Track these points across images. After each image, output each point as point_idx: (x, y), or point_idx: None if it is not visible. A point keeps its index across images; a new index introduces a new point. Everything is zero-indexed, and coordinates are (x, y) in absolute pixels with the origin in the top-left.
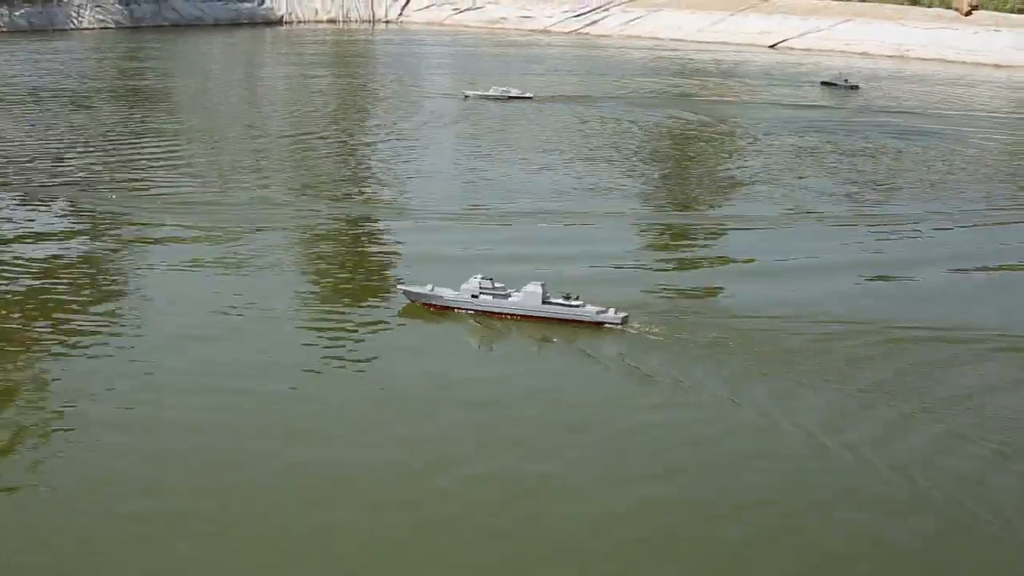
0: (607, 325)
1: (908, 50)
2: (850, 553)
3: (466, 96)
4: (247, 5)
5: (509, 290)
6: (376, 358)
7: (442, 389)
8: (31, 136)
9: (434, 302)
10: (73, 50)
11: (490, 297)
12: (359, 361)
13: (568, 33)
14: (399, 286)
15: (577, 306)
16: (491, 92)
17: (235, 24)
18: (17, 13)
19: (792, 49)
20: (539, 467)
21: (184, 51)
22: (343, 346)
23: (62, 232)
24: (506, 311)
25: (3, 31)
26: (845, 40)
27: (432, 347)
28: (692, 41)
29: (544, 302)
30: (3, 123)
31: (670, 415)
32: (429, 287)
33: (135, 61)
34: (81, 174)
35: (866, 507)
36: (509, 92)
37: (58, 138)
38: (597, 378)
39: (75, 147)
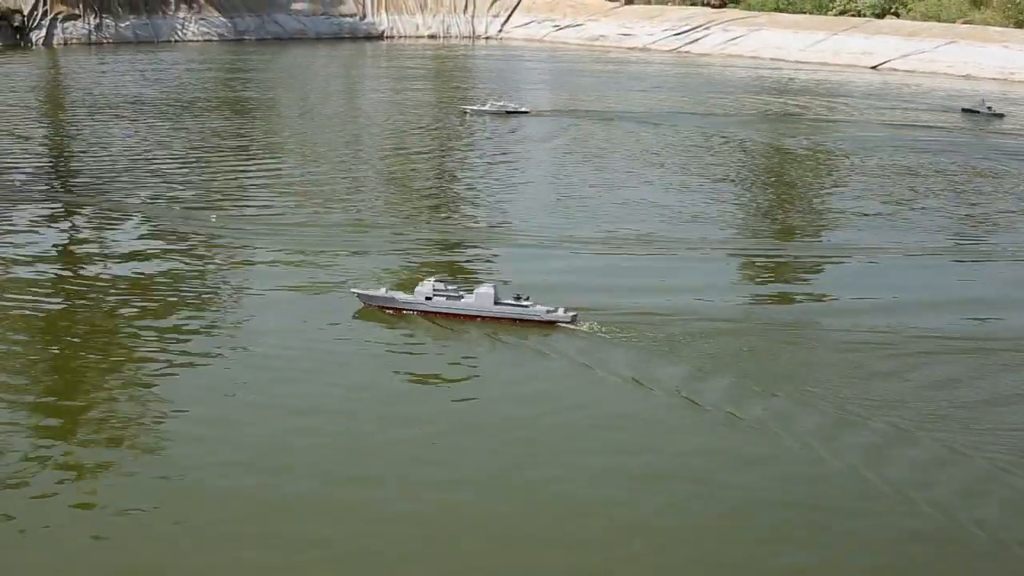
0: (559, 323)
1: (1012, 73)
2: None
3: (465, 112)
4: (349, 20)
5: (461, 292)
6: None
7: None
8: (130, 148)
9: (389, 305)
10: (177, 61)
11: (443, 299)
12: (450, 381)
13: (668, 51)
14: (352, 290)
15: (527, 306)
16: (487, 107)
17: (337, 38)
18: (123, 25)
19: (895, 70)
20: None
21: (285, 64)
22: (435, 373)
23: (157, 251)
24: (460, 312)
25: (109, 42)
26: (948, 62)
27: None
28: (793, 61)
29: (496, 303)
30: (104, 134)
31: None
32: (383, 290)
33: (237, 73)
34: (178, 188)
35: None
36: (507, 107)
37: (157, 150)
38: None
39: (174, 160)
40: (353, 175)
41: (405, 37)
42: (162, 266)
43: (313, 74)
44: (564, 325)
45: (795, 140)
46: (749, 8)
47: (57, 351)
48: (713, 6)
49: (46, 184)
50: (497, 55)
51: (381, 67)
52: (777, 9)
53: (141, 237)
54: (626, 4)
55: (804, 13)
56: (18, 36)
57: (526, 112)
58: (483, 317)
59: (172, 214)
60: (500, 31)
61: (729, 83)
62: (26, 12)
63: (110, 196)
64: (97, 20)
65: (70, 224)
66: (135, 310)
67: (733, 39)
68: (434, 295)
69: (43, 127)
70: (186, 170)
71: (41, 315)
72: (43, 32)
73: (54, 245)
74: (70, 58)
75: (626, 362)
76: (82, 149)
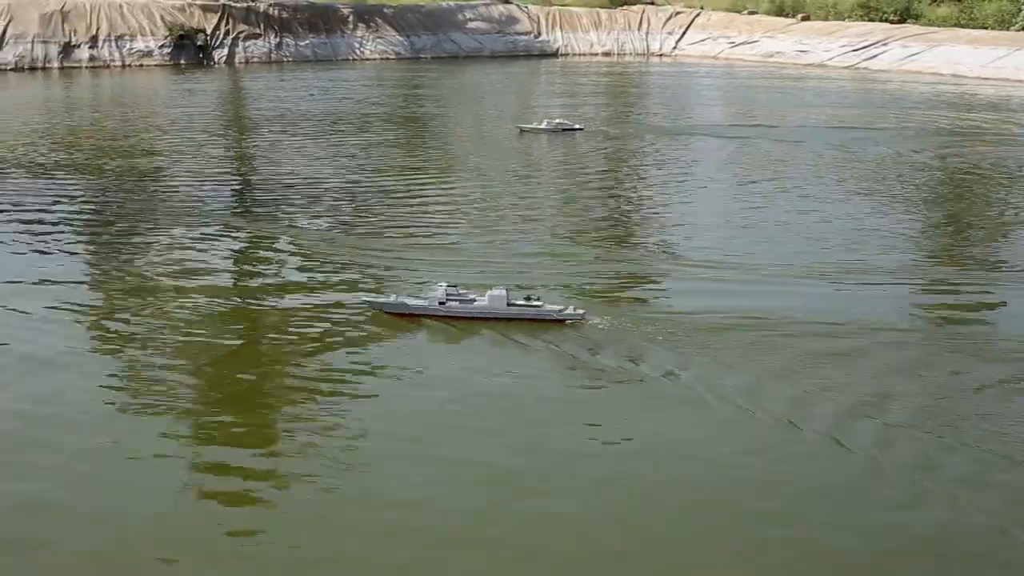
0: (568, 321)
1: None
2: None
3: (521, 131)
4: (524, 38)
5: (472, 295)
6: None
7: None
8: (305, 166)
9: (402, 311)
10: (354, 79)
11: (457, 303)
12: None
13: (845, 68)
14: (363, 298)
15: (538, 306)
16: (544, 125)
17: (511, 56)
18: (302, 43)
19: None
20: None
21: (461, 81)
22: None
23: (323, 282)
24: (474, 315)
25: (289, 60)
26: None
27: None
28: (974, 77)
29: (509, 304)
30: (281, 151)
31: None
32: (394, 297)
33: (413, 90)
34: (351, 209)
35: None
36: (562, 124)
37: (331, 169)
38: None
39: (347, 180)
40: (525, 196)
41: (579, 55)
42: (332, 284)
43: (488, 91)
44: (572, 322)
45: (978, 157)
46: (928, 24)
47: (235, 372)
48: (892, 22)
49: (222, 202)
50: (670, 72)
51: (555, 83)
52: (958, 24)
53: (311, 258)
54: (802, 20)
55: (986, 28)
56: (201, 55)
57: (580, 129)
58: (497, 318)
59: (345, 238)
60: (674, 48)
61: (909, 99)
62: (209, 31)
63: (285, 217)
64: (277, 39)
65: (245, 244)
66: (313, 331)
67: (912, 55)
68: (447, 299)
69: (223, 144)
70: (361, 190)
71: (222, 341)
72: (225, 51)
73: (229, 264)
74: (251, 76)
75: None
76: (259, 167)
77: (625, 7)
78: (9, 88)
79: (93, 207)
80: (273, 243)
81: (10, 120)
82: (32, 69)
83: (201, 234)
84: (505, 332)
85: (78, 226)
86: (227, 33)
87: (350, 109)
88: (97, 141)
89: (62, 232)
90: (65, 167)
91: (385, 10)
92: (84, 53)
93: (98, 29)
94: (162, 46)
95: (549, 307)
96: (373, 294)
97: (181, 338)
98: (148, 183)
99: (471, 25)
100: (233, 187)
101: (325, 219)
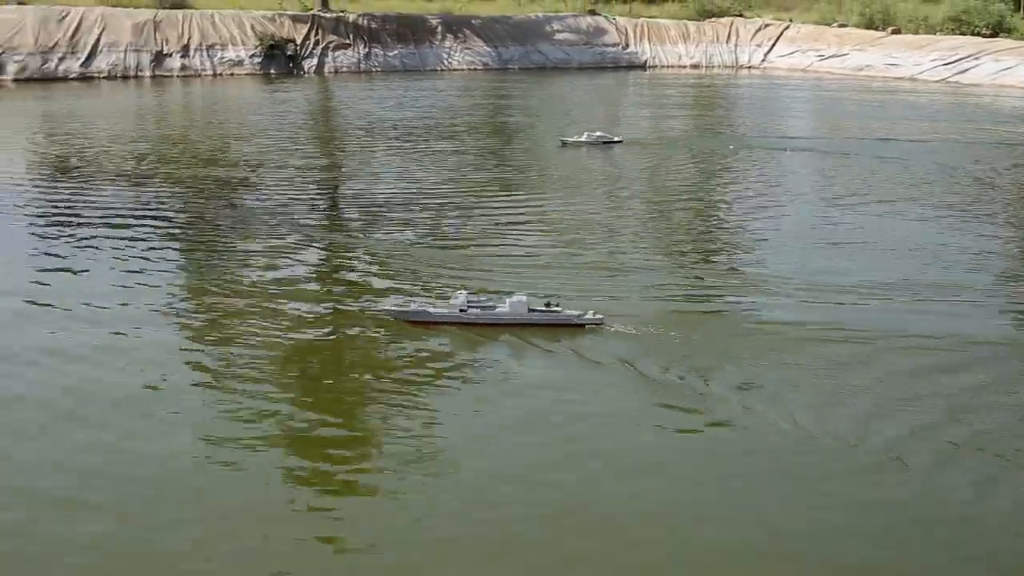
0: (588, 325)
1: None
2: None
3: (564, 143)
4: (611, 50)
5: (492, 302)
6: None
7: None
8: (389, 177)
9: (424, 319)
10: (443, 89)
11: (478, 310)
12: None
13: (936, 82)
14: (382, 307)
15: (558, 311)
16: (584, 138)
17: (599, 68)
18: (391, 54)
19: None
20: None
21: (548, 92)
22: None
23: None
24: (496, 321)
25: (378, 71)
26: None
27: None
28: None
29: (530, 310)
30: (368, 161)
31: None
32: (414, 305)
33: (500, 100)
34: (434, 222)
35: None
36: (603, 137)
37: (417, 180)
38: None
39: (431, 191)
40: (611, 211)
41: (667, 67)
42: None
43: (575, 103)
44: (593, 327)
45: None
46: (1021, 38)
47: (322, 383)
48: (983, 35)
49: (308, 212)
50: (759, 84)
51: (643, 95)
52: None
53: (395, 271)
54: (892, 34)
55: None
56: (291, 64)
57: (619, 141)
58: (518, 324)
59: (430, 251)
60: (763, 61)
61: (1002, 114)
62: (299, 41)
63: (371, 228)
64: (366, 49)
65: (328, 255)
66: (396, 343)
67: (1005, 69)
68: (468, 307)
69: (311, 153)
70: (448, 201)
71: (308, 344)
72: (315, 61)
73: (312, 275)
74: (340, 86)
75: None
76: (346, 177)
77: (714, 20)
78: (102, 96)
79: (181, 216)
80: (357, 255)
81: (101, 128)
82: (124, 77)
83: (286, 244)
84: (526, 338)
85: (165, 236)
86: (316, 43)
87: (438, 119)
88: (187, 148)
89: (147, 241)
90: (153, 175)
91: (473, 21)
92: (176, 62)
93: (190, 39)
94: (252, 56)
95: (568, 312)
96: (395, 304)
97: (266, 351)
98: (235, 192)
99: (559, 37)
100: (319, 197)
101: (412, 231)
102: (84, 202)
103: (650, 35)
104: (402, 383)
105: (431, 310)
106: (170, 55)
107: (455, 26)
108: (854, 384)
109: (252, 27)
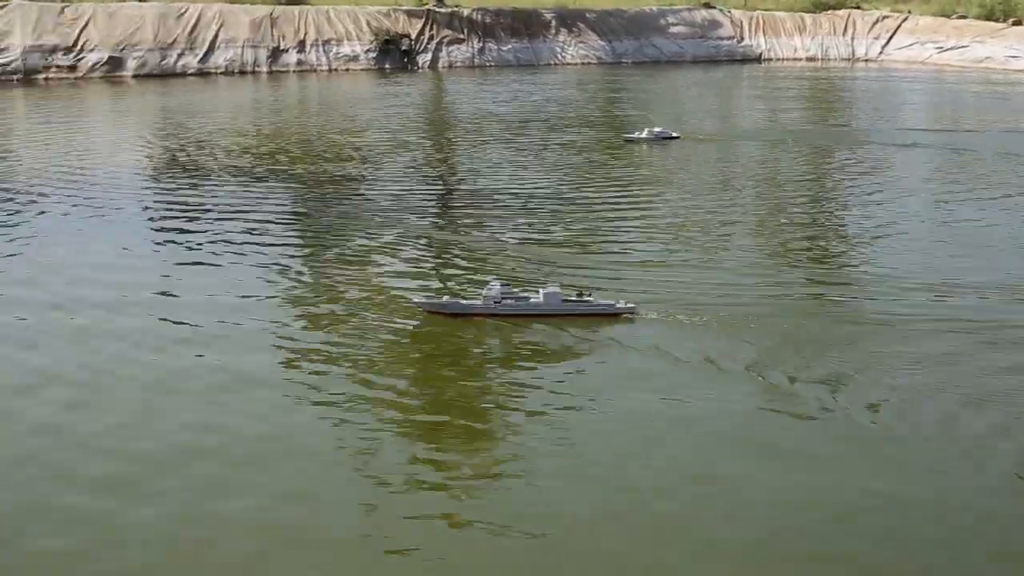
0: (624, 315)
1: None
2: None
3: (627, 140)
4: (726, 43)
5: (527, 293)
6: None
7: None
8: (503, 173)
9: (458, 311)
10: (558, 83)
11: (512, 300)
12: None
13: None
14: (413, 300)
15: (590, 301)
16: (644, 135)
17: (712, 61)
18: (505, 48)
19: None
20: None
21: (661, 86)
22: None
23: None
24: (531, 312)
25: (491, 65)
26: None
27: None
28: None
29: (563, 301)
30: (479, 157)
31: None
32: (445, 298)
33: (615, 93)
34: (546, 220)
35: None
36: (663, 132)
37: (531, 176)
38: None
39: (546, 188)
40: (723, 207)
41: (782, 59)
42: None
43: (687, 95)
44: (627, 316)
45: None
46: None
47: (430, 381)
48: None
49: (421, 208)
50: (875, 77)
51: (757, 87)
52: None
53: (504, 269)
54: (1013, 25)
55: None
56: (406, 59)
57: (677, 137)
58: (554, 314)
59: (540, 249)
60: (880, 53)
61: None
62: (414, 36)
63: (484, 225)
64: (480, 44)
65: (439, 251)
66: (501, 342)
67: None
68: (502, 298)
69: (424, 149)
70: (561, 199)
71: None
72: (429, 56)
73: (421, 271)
74: (454, 80)
75: None
76: (459, 172)
77: (830, 12)
78: (219, 92)
79: (296, 210)
80: (467, 252)
81: (218, 123)
82: (241, 73)
83: (396, 238)
84: (561, 327)
85: (282, 229)
86: (431, 38)
87: (552, 114)
88: (302, 144)
89: (266, 235)
90: (269, 170)
91: (587, 15)
92: (292, 58)
93: (306, 34)
94: (368, 51)
95: (601, 302)
96: (426, 296)
97: (375, 346)
98: (348, 186)
99: (673, 30)
100: (430, 193)
101: (524, 229)
102: (203, 197)
103: (765, 28)
104: (510, 371)
105: (465, 303)
106: (286, 51)
107: (569, 20)
108: None
109: (367, 22)
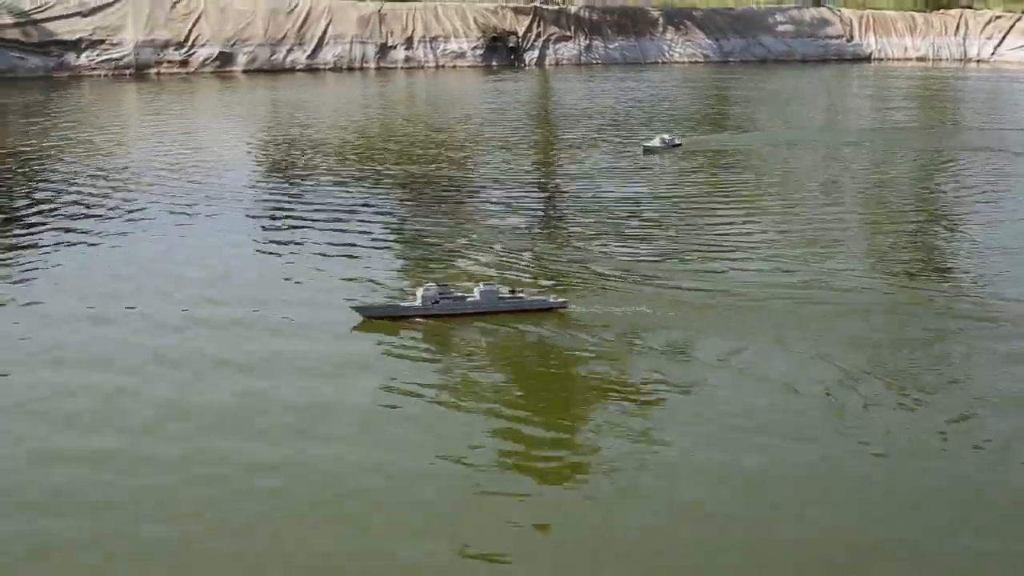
0: (556, 310)
1: None
2: None
3: (646, 149)
4: (835, 42)
5: (462, 293)
6: None
7: None
8: (612, 178)
9: (395, 314)
10: (661, 80)
11: (450, 300)
12: None
13: None
14: (349, 306)
15: (523, 297)
16: (657, 143)
17: (822, 60)
18: (611, 46)
19: None
20: None
21: (770, 86)
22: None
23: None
24: (468, 311)
25: (598, 63)
26: None
27: None
28: None
29: (499, 298)
30: (585, 159)
31: None
32: (382, 301)
33: (721, 91)
34: (655, 230)
35: None
36: (674, 140)
37: (639, 181)
38: None
39: (656, 194)
40: (830, 216)
41: (892, 59)
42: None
43: (796, 94)
44: (559, 311)
45: None
46: None
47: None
48: None
49: (524, 211)
50: (988, 78)
51: (867, 87)
52: None
53: (608, 285)
54: None
55: None
56: (512, 56)
57: (678, 145)
58: (489, 312)
59: (646, 266)
60: (992, 54)
61: None
62: (521, 33)
63: (586, 234)
64: (587, 41)
65: (537, 259)
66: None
67: None
68: (440, 299)
69: (532, 147)
70: (673, 206)
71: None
72: (536, 53)
73: (516, 275)
74: (560, 78)
75: None
76: (565, 174)
77: (942, 11)
78: (327, 87)
79: (397, 212)
80: (568, 262)
81: (326, 120)
82: (349, 69)
83: (493, 244)
84: (501, 323)
85: (384, 231)
86: (538, 35)
87: (662, 113)
88: (406, 142)
89: (369, 236)
90: (374, 169)
91: (694, 13)
92: (400, 54)
93: (413, 31)
94: (475, 48)
95: (533, 298)
96: (360, 301)
97: (473, 347)
98: (450, 188)
99: (781, 28)
100: (537, 197)
101: (633, 242)
102: (307, 198)
103: (875, 27)
104: (591, 377)
105: (404, 304)
106: (394, 47)
107: (676, 18)
108: None
109: (475, 19)
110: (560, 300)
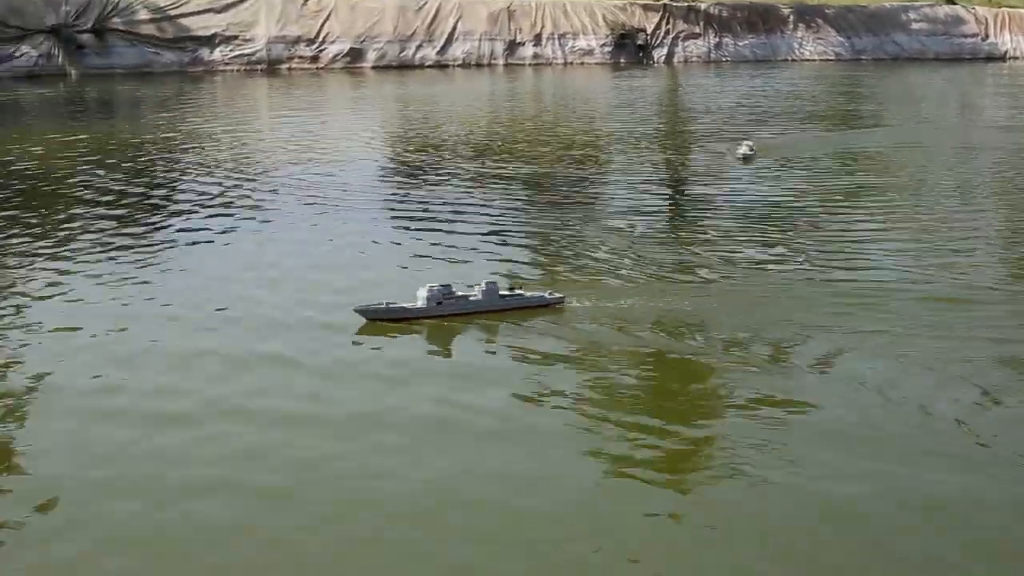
0: (554, 305)
1: None
2: None
3: (742, 156)
4: (970, 40)
5: (464, 292)
6: None
7: None
8: (736, 178)
9: (400, 316)
10: (796, 79)
11: (453, 301)
12: None
13: None
14: (353, 309)
15: (523, 294)
16: (743, 150)
17: (955, 59)
18: (741, 44)
19: None
20: None
21: (904, 85)
22: None
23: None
24: (472, 310)
25: (727, 61)
26: None
27: None
28: None
29: (501, 296)
30: (716, 161)
31: None
32: (385, 303)
33: (852, 88)
34: (806, 238)
35: None
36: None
37: (776, 184)
38: None
39: (797, 200)
40: (964, 225)
41: None
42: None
43: (927, 95)
44: (557, 307)
45: None
46: None
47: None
48: None
49: (651, 211)
50: None
51: (1001, 87)
52: None
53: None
54: None
55: None
56: (641, 54)
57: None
58: (492, 311)
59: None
60: None
61: None
62: (649, 31)
63: (718, 237)
64: (716, 39)
65: (673, 257)
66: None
67: None
68: (444, 299)
69: (660, 145)
70: (792, 207)
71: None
72: (665, 50)
73: (647, 278)
74: (689, 76)
75: None
76: (694, 175)
77: None
78: (456, 83)
79: (524, 213)
80: (703, 266)
81: (454, 116)
82: (478, 65)
83: (625, 250)
84: (502, 321)
85: (510, 233)
86: (667, 33)
87: (797, 111)
88: (533, 141)
89: (500, 236)
90: (499, 168)
91: (826, 10)
92: (528, 51)
93: (542, 28)
94: (603, 45)
95: (532, 294)
96: (363, 304)
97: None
98: (580, 189)
99: (915, 26)
100: (663, 198)
101: (774, 248)
102: (436, 198)
103: (1011, 25)
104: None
105: (408, 306)
106: (522, 44)
107: (807, 15)
108: None
109: (603, 16)
110: (557, 296)
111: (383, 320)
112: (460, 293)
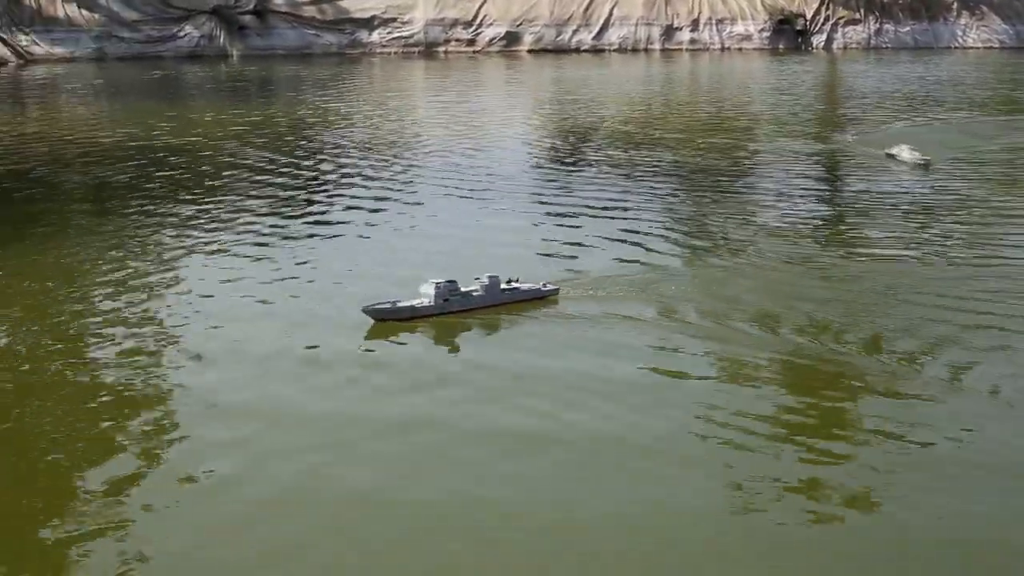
0: (549, 297)
1: None
2: None
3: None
4: None
5: (467, 288)
6: None
7: None
8: (884, 174)
9: (408, 315)
10: (961, 67)
11: (459, 297)
12: None
13: None
14: (361, 308)
15: (518, 287)
16: (904, 155)
17: None
18: (903, 30)
19: None
20: None
21: None
22: None
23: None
24: (476, 305)
25: (887, 47)
26: None
27: None
28: None
29: (501, 290)
30: (875, 157)
31: None
32: (391, 303)
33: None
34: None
35: None
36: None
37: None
38: None
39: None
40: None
41: None
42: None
43: None
44: (552, 298)
45: None
46: None
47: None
48: None
49: (794, 209)
50: None
51: None
52: None
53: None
54: None
55: None
56: (799, 40)
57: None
58: (493, 305)
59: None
60: None
61: None
62: (809, 16)
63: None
64: (877, 25)
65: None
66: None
67: None
68: (449, 296)
69: (811, 136)
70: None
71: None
72: (824, 36)
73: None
74: (849, 63)
75: None
76: (843, 173)
77: None
78: (611, 68)
79: (672, 203)
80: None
81: (608, 102)
82: (634, 50)
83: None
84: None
85: (658, 223)
86: (826, 19)
87: (961, 102)
88: (686, 129)
89: (655, 225)
90: (650, 156)
91: None
92: (685, 36)
93: (700, 13)
94: (761, 30)
95: (528, 286)
96: (371, 304)
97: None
98: (732, 183)
99: None
100: (813, 192)
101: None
102: (585, 186)
103: None
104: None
105: (416, 304)
106: (680, 29)
107: (971, 2)
108: None
109: (762, 1)
110: (552, 287)
111: (391, 320)
112: (464, 289)
